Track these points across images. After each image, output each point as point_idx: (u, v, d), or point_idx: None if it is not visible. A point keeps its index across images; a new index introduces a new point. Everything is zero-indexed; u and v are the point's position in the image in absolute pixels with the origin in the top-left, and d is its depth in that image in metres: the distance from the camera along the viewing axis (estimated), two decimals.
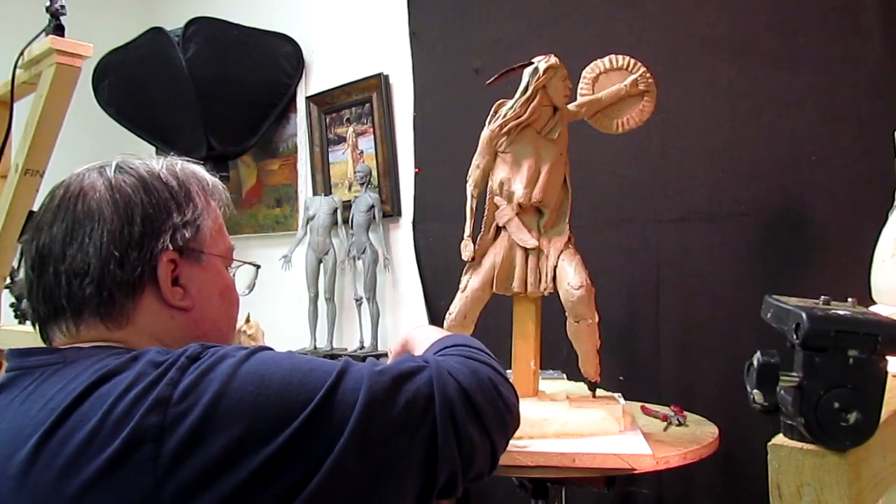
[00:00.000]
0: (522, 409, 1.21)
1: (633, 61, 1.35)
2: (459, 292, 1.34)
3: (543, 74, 1.25)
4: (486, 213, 1.32)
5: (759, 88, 1.62)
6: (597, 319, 1.28)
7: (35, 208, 1.77)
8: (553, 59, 1.27)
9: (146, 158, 0.83)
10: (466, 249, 1.32)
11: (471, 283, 1.32)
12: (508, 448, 1.12)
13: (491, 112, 1.32)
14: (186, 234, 0.79)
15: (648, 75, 1.33)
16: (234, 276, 0.88)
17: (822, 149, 1.54)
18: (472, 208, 1.33)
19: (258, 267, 0.92)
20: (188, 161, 0.86)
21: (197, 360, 0.65)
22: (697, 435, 1.24)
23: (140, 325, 0.76)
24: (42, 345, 0.78)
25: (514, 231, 1.29)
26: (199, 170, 0.86)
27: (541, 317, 1.33)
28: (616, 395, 1.41)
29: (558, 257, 1.27)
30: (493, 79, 1.32)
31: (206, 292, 0.81)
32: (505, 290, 1.31)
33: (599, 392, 1.36)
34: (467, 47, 2.14)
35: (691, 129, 1.72)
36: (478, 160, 1.33)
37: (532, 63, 1.27)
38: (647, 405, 1.40)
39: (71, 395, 0.63)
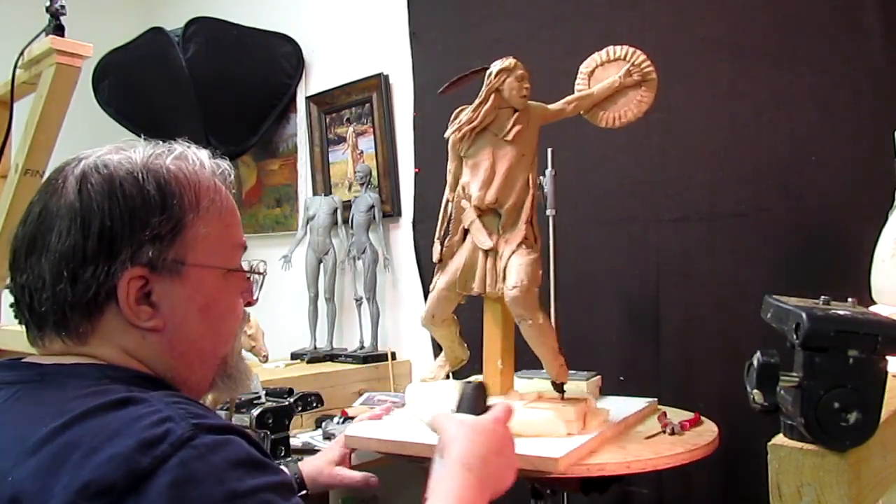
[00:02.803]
0: None
1: (630, 51, 1.34)
2: (430, 292, 1.38)
3: (495, 77, 1.28)
4: (453, 216, 1.35)
5: (759, 88, 1.62)
6: (541, 321, 1.25)
7: None
8: (507, 61, 1.29)
9: (136, 148, 0.76)
10: (435, 251, 1.36)
11: (438, 283, 1.35)
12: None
13: (452, 117, 1.35)
14: (158, 249, 0.71)
15: (646, 64, 1.33)
16: (252, 279, 0.82)
17: (822, 149, 1.54)
18: (444, 211, 1.36)
19: (264, 274, 0.85)
20: (193, 148, 0.79)
21: (182, 449, 0.58)
22: (685, 439, 1.21)
23: (106, 340, 0.71)
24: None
25: (474, 232, 1.31)
26: (198, 163, 0.78)
27: (509, 317, 1.33)
28: (608, 399, 1.37)
29: (509, 257, 1.28)
30: (444, 87, 1.36)
31: (183, 310, 0.74)
32: (468, 291, 1.33)
33: (591, 393, 1.37)
34: (467, 47, 2.14)
35: (691, 128, 1.72)
36: (450, 165, 1.36)
37: (487, 68, 1.30)
38: (666, 415, 1.33)
39: (34, 437, 0.60)
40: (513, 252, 1.28)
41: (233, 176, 0.82)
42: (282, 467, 1.13)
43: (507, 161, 1.29)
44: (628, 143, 1.70)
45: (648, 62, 1.33)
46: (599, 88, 1.33)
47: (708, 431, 1.28)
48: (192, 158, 0.78)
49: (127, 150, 0.75)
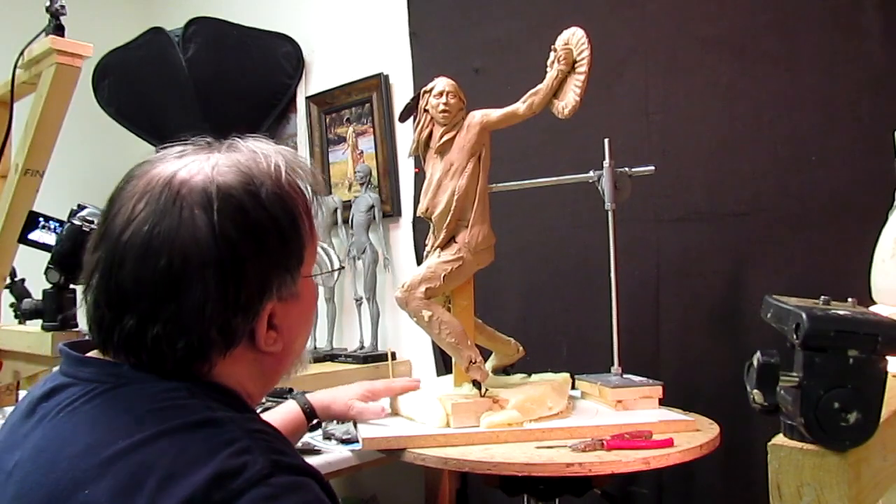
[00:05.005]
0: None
1: (561, 36, 1.38)
2: None
3: (421, 98, 1.40)
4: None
5: (759, 88, 1.62)
6: (426, 319, 1.33)
7: (35, 208, 1.77)
8: (431, 83, 1.40)
9: (237, 157, 0.70)
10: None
11: None
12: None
13: None
14: (290, 278, 0.70)
15: (567, 47, 1.35)
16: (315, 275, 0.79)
17: (822, 149, 1.54)
18: None
19: (342, 268, 0.86)
20: (273, 148, 0.74)
21: (257, 486, 0.57)
22: (581, 456, 1.15)
23: (226, 368, 0.69)
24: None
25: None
26: (299, 171, 0.73)
27: (461, 314, 1.41)
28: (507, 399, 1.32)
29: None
30: (400, 114, 1.47)
31: (297, 325, 0.74)
32: None
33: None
34: (467, 47, 2.14)
35: (691, 128, 1.72)
36: None
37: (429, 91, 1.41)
38: (628, 436, 1.22)
39: (109, 449, 0.59)
40: (430, 256, 1.40)
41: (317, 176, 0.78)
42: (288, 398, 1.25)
43: (438, 172, 1.39)
44: (628, 144, 1.70)
45: (568, 45, 1.35)
46: (545, 82, 1.37)
47: (708, 431, 1.28)
48: (295, 167, 0.74)
49: (228, 162, 0.70)
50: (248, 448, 0.59)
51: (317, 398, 1.27)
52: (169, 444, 0.59)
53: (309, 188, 0.75)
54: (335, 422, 1.78)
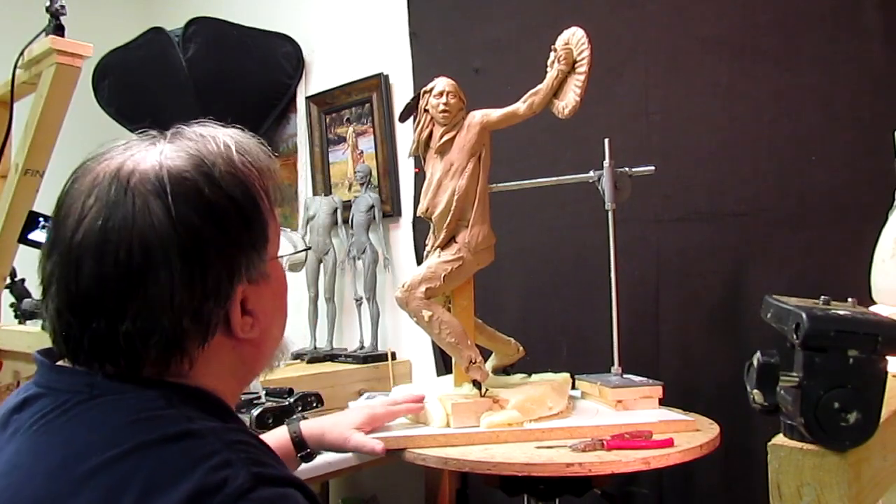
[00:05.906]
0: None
1: (561, 36, 1.37)
2: None
3: (422, 98, 1.41)
4: None
5: (759, 88, 1.62)
6: (426, 319, 1.34)
7: (35, 208, 1.77)
8: (431, 83, 1.40)
9: (191, 143, 0.69)
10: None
11: None
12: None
13: None
14: (257, 259, 0.69)
15: (567, 48, 1.35)
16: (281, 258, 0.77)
17: (822, 149, 1.54)
18: None
19: (308, 248, 0.84)
20: (222, 129, 0.74)
21: (239, 501, 0.55)
22: (575, 456, 1.16)
23: (210, 363, 0.67)
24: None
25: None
26: (251, 149, 0.72)
27: (461, 314, 1.41)
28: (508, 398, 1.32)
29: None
30: (400, 114, 1.48)
31: (272, 309, 0.73)
32: None
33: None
34: (467, 47, 2.14)
35: (691, 129, 1.72)
36: None
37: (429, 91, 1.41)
38: (628, 435, 1.23)
39: (86, 464, 0.57)
40: (430, 256, 1.41)
41: (271, 157, 0.76)
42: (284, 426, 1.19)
43: (438, 172, 1.39)
44: (628, 144, 1.70)
45: (568, 45, 1.35)
46: (545, 82, 1.37)
47: (708, 431, 1.28)
48: (245, 146, 0.73)
49: (175, 148, 0.68)
50: (228, 461, 0.57)
51: (310, 427, 1.19)
52: (146, 459, 0.57)
53: (262, 168, 0.72)
54: None
